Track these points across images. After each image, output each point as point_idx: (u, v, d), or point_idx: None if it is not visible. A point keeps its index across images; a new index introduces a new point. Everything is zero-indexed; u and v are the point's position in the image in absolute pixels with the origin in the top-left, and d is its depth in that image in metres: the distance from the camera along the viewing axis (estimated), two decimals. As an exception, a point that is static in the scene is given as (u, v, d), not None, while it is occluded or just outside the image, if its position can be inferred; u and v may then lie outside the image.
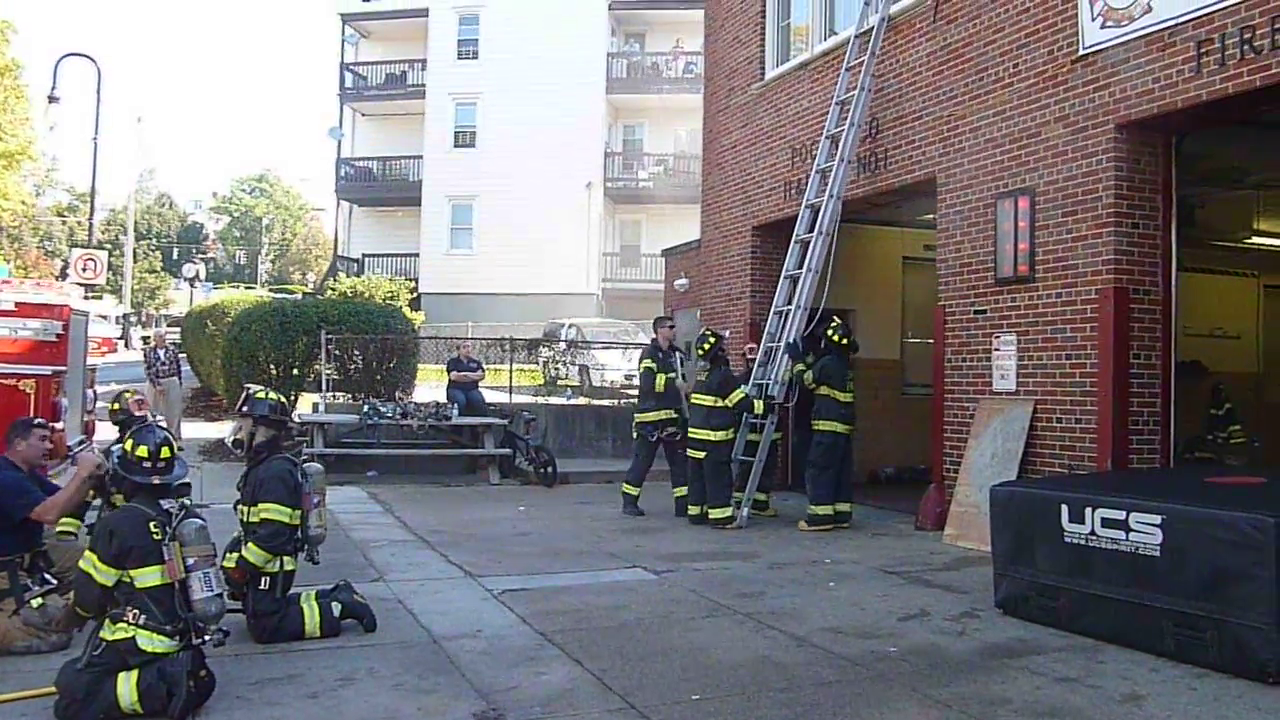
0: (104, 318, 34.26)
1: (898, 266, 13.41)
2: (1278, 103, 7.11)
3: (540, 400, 17.11)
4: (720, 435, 9.58)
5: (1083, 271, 8.07)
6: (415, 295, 31.40)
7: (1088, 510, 5.58)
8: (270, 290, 49.81)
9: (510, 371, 16.43)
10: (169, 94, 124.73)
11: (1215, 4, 6.96)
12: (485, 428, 13.44)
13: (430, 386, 17.23)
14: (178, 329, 28.56)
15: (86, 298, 15.95)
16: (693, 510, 9.74)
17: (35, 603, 5.30)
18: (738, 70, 13.53)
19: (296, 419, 11.95)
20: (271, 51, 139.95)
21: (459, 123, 35.13)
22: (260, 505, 5.60)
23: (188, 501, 4.86)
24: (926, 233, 11.14)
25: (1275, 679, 4.73)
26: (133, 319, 45.64)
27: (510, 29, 33.69)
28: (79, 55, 22.80)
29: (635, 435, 10.61)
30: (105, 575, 4.44)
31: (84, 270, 20.33)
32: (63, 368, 8.96)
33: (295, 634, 5.49)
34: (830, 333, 9.77)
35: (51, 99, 21.86)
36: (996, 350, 8.87)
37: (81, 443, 9.72)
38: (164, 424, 6.80)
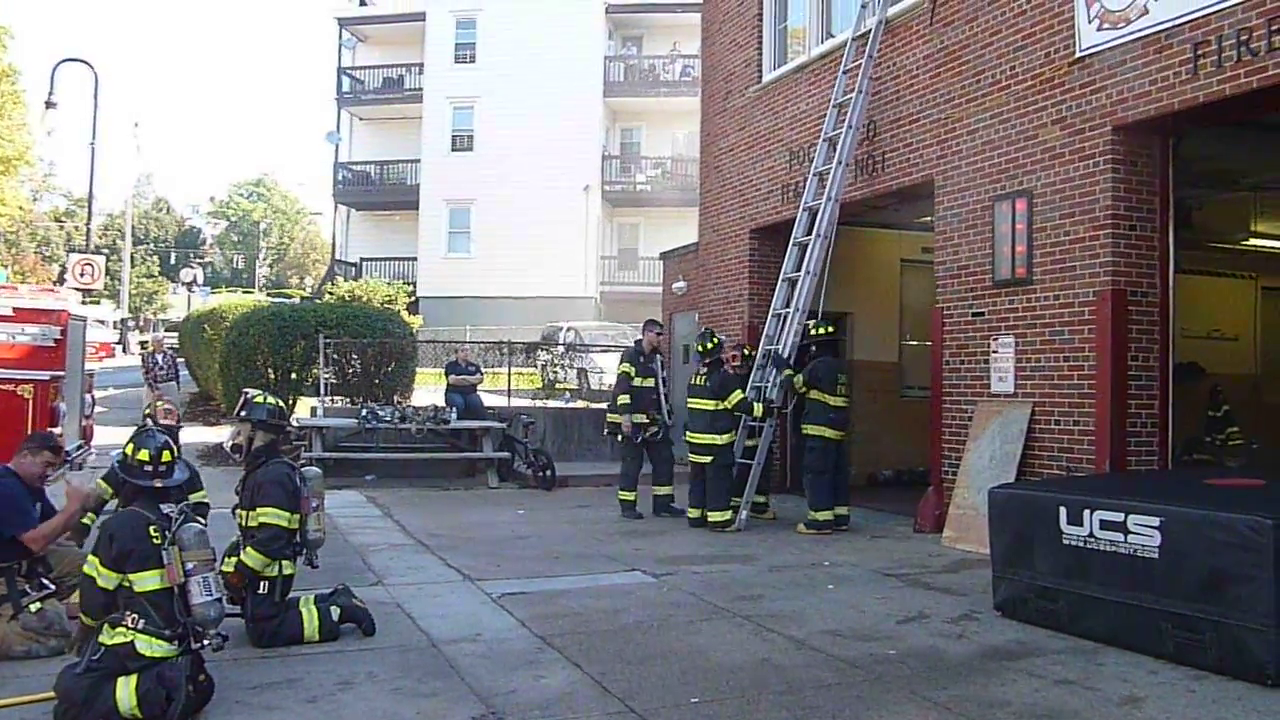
0: (102, 323, 34.23)
1: (896, 269, 13.43)
2: (1275, 104, 7.11)
3: (538, 404, 17.06)
4: (725, 438, 9.59)
5: (1080, 274, 8.07)
6: (413, 299, 31.35)
7: (1086, 512, 5.57)
8: (268, 295, 49.77)
9: (508, 375, 16.39)
10: (166, 99, 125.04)
11: (1211, 6, 6.97)
12: (484, 431, 13.44)
13: (428, 390, 17.19)
14: (175, 334, 28.58)
15: (84, 303, 15.98)
16: (692, 513, 9.74)
17: (33, 607, 5.29)
18: (735, 73, 13.53)
19: (295, 423, 11.94)
20: (268, 56, 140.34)
21: (456, 126, 35.11)
22: (259, 509, 5.60)
23: (188, 505, 4.87)
24: (924, 235, 11.14)
25: (1274, 681, 4.72)
26: (130, 324, 45.59)
27: (507, 32, 33.67)
28: (77, 60, 23.01)
29: (605, 432, 10.87)
30: (108, 579, 4.44)
31: (81, 275, 20.37)
32: (61, 373, 8.96)
33: (294, 638, 5.48)
34: (813, 330, 9.76)
35: (49, 104, 21.92)
36: (995, 352, 8.88)
37: (79, 447, 9.72)
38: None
